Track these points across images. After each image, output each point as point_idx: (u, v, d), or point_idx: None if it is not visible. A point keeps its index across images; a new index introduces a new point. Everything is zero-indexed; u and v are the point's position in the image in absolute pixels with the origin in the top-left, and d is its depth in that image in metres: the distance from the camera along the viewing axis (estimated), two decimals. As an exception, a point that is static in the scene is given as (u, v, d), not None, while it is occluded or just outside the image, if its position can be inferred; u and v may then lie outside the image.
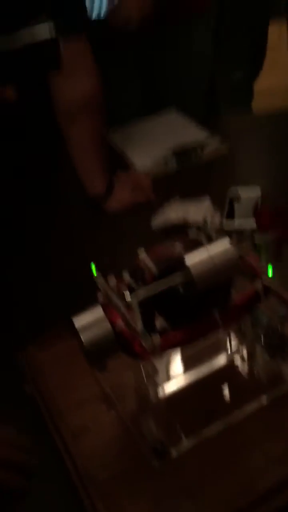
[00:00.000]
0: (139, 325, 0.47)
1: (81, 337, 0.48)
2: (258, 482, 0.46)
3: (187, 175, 1.04)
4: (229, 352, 0.57)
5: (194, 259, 0.47)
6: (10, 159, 0.93)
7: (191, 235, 0.54)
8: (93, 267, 0.54)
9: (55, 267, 0.84)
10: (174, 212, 0.88)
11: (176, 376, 0.56)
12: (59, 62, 0.65)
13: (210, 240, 0.51)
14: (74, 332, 0.49)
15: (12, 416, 0.61)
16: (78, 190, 0.98)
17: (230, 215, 0.83)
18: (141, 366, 0.53)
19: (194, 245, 0.50)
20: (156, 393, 0.54)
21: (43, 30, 0.62)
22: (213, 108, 1.35)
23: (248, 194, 0.83)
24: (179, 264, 0.48)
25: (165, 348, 0.48)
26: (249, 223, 0.74)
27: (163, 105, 1.24)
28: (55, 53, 0.64)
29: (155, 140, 1.12)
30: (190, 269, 0.46)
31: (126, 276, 0.51)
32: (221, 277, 0.47)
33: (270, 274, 0.51)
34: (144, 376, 0.54)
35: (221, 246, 0.48)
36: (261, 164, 1.06)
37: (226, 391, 0.54)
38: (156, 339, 0.47)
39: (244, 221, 0.77)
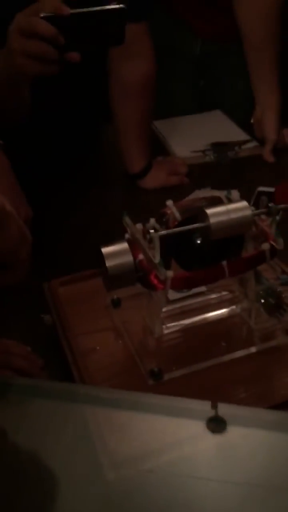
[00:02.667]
0: (157, 258, 0.54)
1: (106, 262, 0.55)
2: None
3: (222, 169, 1.11)
4: (230, 307, 0.64)
5: (214, 210, 0.54)
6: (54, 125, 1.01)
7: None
8: (124, 213, 0.62)
9: (91, 226, 0.93)
10: (204, 195, 0.95)
11: (179, 319, 0.63)
12: (123, 37, 0.73)
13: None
14: (99, 267, 0.57)
15: (30, 340, 0.69)
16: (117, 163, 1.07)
17: (256, 206, 0.90)
18: (150, 304, 0.60)
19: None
20: (160, 329, 0.61)
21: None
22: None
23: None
24: (201, 215, 0.55)
25: (176, 284, 0.55)
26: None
27: (211, 107, 1.32)
28: (121, 25, 0.71)
29: (197, 134, 1.20)
30: (209, 216, 0.53)
31: (152, 220, 0.59)
32: (235, 230, 0.55)
33: (279, 243, 0.58)
34: (151, 314, 0.61)
35: (239, 205, 0.55)
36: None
37: (221, 338, 0.61)
38: (170, 273, 0.54)
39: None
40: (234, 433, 0.46)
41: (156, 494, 0.42)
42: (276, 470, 0.43)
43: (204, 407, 0.47)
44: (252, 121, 1.20)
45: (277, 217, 0.56)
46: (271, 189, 0.93)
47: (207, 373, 0.57)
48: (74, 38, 0.70)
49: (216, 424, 0.45)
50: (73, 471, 0.44)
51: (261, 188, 0.94)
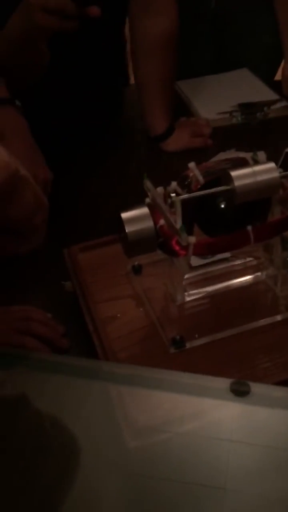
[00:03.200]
0: (178, 223, 0.52)
1: (125, 228, 0.53)
2: (261, 378, 0.51)
3: (249, 130, 1.07)
4: (255, 273, 0.61)
5: (239, 172, 0.51)
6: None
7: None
8: (145, 176, 0.59)
9: (112, 190, 0.91)
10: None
11: (202, 286, 0.61)
12: None
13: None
14: (118, 233, 0.55)
15: (51, 307, 0.68)
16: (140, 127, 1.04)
17: (284, 168, 0.86)
18: (172, 271, 0.58)
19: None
20: (183, 296, 0.59)
21: None
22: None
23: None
24: (225, 177, 0.53)
25: (199, 250, 0.53)
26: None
27: (238, 66, 1.26)
28: None
29: (223, 94, 1.15)
30: (233, 179, 0.50)
31: (174, 184, 0.56)
32: (261, 193, 0.52)
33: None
34: (173, 281, 0.60)
35: (265, 166, 0.52)
36: None
37: (246, 306, 0.59)
38: (192, 238, 0.52)
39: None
40: (257, 397, 0.45)
41: (178, 456, 0.42)
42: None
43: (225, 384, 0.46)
44: (280, 78, 1.14)
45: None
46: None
47: (231, 342, 0.55)
48: None
49: (240, 387, 0.45)
50: (94, 439, 0.43)
51: (288, 150, 0.90)
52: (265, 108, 1.08)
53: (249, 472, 0.40)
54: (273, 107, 1.08)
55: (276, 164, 0.88)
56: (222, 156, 0.94)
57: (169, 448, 0.43)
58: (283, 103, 1.09)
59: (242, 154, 0.97)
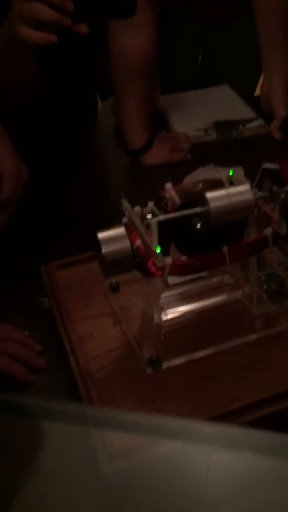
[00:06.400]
0: (155, 245, 0.52)
1: (102, 248, 0.53)
2: (236, 399, 0.51)
3: (225, 147, 1.08)
4: (231, 292, 0.62)
5: (213, 194, 0.52)
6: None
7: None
8: (122, 195, 0.59)
9: (87, 204, 0.91)
10: (207, 173, 0.93)
11: (179, 305, 0.61)
12: (135, 8, 0.68)
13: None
14: (96, 252, 0.55)
15: (28, 324, 0.68)
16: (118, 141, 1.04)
17: (260, 184, 0.88)
18: (149, 290, 0.59)
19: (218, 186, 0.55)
20: (159, 315, 0.60)
21: None
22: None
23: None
24: (201, 198, 0.53)
25: (175, 271, 0.53)
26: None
27: (218, 82, 1.27)
28: None
29: (200, 111, 1.16)
30: (208, 201, 0.51)
31: (150, 204, 0.57)
32: (236, 214, 0.52)
33: (282, 229, 0.56)
34: (151, 300, 0.60)
35: (240, 189, 0.53)
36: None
37: (222, 325, 0.59)
38: (168, 259, 0.52)
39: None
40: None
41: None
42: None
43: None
44: (259, 94, 1.15)
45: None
46: (277, 166, 0.90)
47: (207, 361, 0.56)
48: (84, 7, 0.66)
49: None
50: (69, 467, 0.43)
51: (266, 165, 0.91)
52: (241, 126, 1.09)
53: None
54: (248, 125, 1.09)
55: (253, 180, 0.90)
56: (200, 171, 0.95)
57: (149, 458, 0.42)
58: (259, 122, 1.10)
59: (220, 170, 0.99)
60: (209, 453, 0.43)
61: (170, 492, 0.41)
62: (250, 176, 0.94)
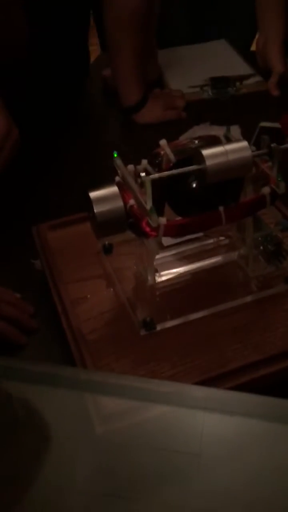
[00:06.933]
0: (149, 204, 0.50)
1: (94, 208, 0.51)
2: (230, 360, 0.51)
3: (222, 104, 1.05)
4: (227, 253, 0.61)
5: (210, 151, 0.50)
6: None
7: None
8: (115, 153, 0.57)
9: (78, 164, 0.89)
10: (203, 132, 0.90)
11: (174, 267, 0.60)
12: None
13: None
14: (88, 212, 0.53)
15: (21, 286, 0.67)
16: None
17: (257, 144, 0.85)
18: (143, 251, 0.57)
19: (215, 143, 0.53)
20: (153, 277, 0.58)
21: None
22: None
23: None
24: (197, 156, 0.51)
25: (169, 232, 0.52)
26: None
27: (214, 37, 1.23)
28: None
29: (196, 66, 1.13)
30: (205, 158, 0.49)
31: (144, 162, 0.54)
32: (233, 172, 0.50)
33: (281, 187, 0.54)
34: (144, 261, 0.58)
35: (238, 145, 0.51)
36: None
37: (217, 286, 0.58)
38: (162, 219, 0.50)
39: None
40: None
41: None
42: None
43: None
44: (255, 49, 1.11)
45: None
46: (275, 125, 0.88)
47: (202, 323, 0.55)
48: None
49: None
50: (62, 428, 0.42)
51: (264, 124, 0.89)
52: (237, 83, 1.05)
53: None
54: (246, 82, 1.06)
55: (250, 139, 0.86)
56: (196, 130, 0.92)
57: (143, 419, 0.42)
58: (257, 78, 1.07)
59: (216, 128, 0.96)
60: (203, 415, 0.43)
61: (164, 450, 0.41)
62: (247, 135, 0.93)
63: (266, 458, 0.40)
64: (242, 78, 1.07)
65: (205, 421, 0.42)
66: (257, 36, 1.13)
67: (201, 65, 1.12)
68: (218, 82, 1.06)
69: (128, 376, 0.49)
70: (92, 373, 0.50)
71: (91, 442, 0.42)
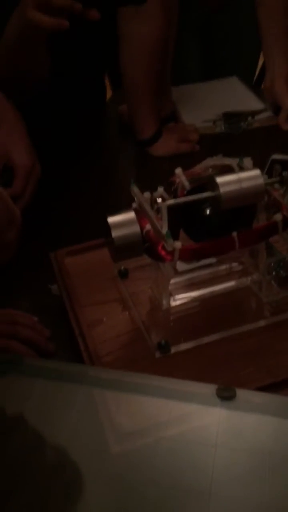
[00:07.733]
0: (164, 229, 0.52)
1: (112, 233, 0.54)
2: (244, 383, 0.51)
3: (234, 138, 1.08)
4: (240, 279, 0.62)
5: (224, 178, 0.52)
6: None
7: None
8: (132, 180, 0.60)
9: (96, 193, 0.92)
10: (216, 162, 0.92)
11: (188, 291, 0.62)
12: None
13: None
14: (105, 237, 0.55)
15: (37, 310, 0.68)
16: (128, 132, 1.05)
17: (268, 175, 0.88)
18: (158, 275, 0.59)
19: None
20: (168, 301, 0.60)
21: None
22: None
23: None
24: (211, 183, 0.53)
25: (184, 256, 0.53)
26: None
27: (225, 74, 1.27)
28: None
29: (209, 102, 1.16)
30: (219, 185, 0.51)
31: (160, 189, 0.57)
32: (246, 199, 0.53)
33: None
34: (159, 286, 0.60)
35: (251, 173, 0.53)
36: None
37: (230, 311, 0.60)
38: (178, 244, 0.52)
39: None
40: (242, 403, 0.46)
41: (163, 460, 0.42)
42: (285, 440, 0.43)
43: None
44: (262, 87, 1.16)
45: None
46: (286, 157, 0.90)
47: (215, 347, 0.56)
48: None
49: (225, 392, 0.46)
50: (78, 447, 0.43)
51: (275, 156, 0.91)
52: (249, 118, 1.09)
53: (233, 476, 0.41)
54: (257, 117, 1.09)
55: (262, 171, 0.89)
56: (209, 161, 0.95)
57: (154, 452, 0.43)
58: (268, 113, 1.10)
59: (228, 160, 0.99)
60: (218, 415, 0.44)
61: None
62: (258, 167, 0.95)
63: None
64: (253, 113, 1.10)
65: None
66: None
67: (213, 101, 1.16)
68: (231, 117, 1.09)
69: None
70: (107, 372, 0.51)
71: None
